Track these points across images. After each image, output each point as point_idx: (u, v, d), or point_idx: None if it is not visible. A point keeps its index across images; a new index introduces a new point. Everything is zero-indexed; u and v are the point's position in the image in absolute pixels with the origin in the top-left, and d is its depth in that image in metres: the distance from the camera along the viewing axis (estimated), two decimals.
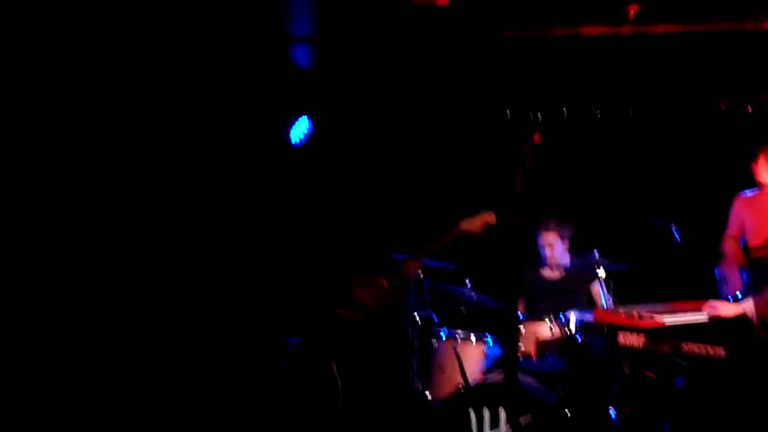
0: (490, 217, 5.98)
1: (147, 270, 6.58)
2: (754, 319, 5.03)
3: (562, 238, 6.65)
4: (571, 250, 6.70)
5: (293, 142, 7.14)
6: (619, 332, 4.78)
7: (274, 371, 6.64)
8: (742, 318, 5.12)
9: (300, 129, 7.15)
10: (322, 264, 6.46)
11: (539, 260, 6.75)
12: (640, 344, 4.68)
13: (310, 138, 7.17)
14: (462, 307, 6.39)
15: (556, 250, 6.63)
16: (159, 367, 6.54)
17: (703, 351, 4.43)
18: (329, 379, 6.17)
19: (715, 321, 5.11)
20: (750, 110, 6.96)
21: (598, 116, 7.08)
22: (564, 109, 7.12)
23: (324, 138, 7.31)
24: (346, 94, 7.18)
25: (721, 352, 4.37)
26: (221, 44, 6.19)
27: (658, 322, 4.90)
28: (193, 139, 6.58)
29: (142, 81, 6.29)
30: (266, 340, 6.81)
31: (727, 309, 5.11)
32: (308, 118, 7.18)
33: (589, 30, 5.41)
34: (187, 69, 6.27)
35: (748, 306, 5.10)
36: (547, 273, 6.75)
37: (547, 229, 6.64)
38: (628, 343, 4.73)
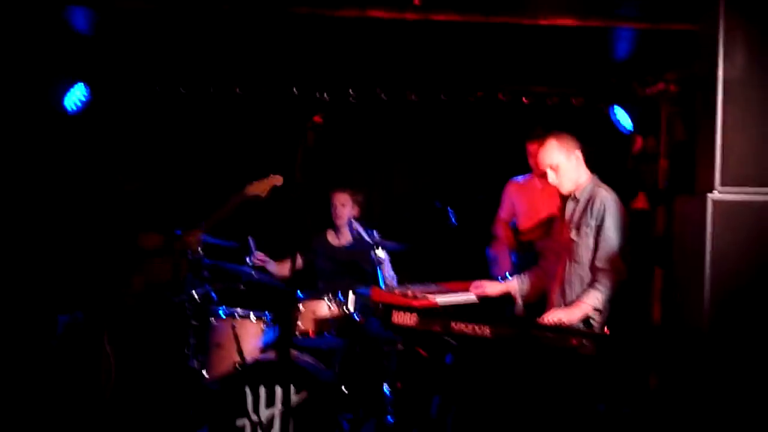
0: (275, 180, 5.96)
1: None
2: (517, 297, 5.32)
3: (354, 202, 6.73)
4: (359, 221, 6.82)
5: (68, 109, 6.81)
6: (394, 311, 4.86)
7: (42, 350, 6.34)
8: (507, 297, 5.42)
9: (76, 96, 6.82)
10: (97, 237, 6.23)
11: (326, 224, 6.81)
12: (413, 323, 4.78)
13: (88, 106, 6.88)
14: (241, 285, 6.30)
15: (346, 210, 6.71)
16: None
17: (471, 329, 4.59)
18: (101, 357, 5.97)
19: (484, 300, 5.39)
20: (526, 101, 7.32)
21: (383, 99, 7.23)
22: (350, 90, 7.23)
23: (104, 107, 7.04)
24: (130, 62, 6.90)
25: (486, 330, 4.54)
26: None
27: (431, 302, 5.05)
28: None
29: None
30: (35, 317, 6.49)
31: (492, 288, 5.39)
32: (85, 85, 6.88)
33: (376, 13, 5.45)
34: None
35: (511, 285, 5.39)
36: (333, 239, 6.82)
37: (342, 190, 6.72)
38: (401, 321, 4.82)
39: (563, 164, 5.09)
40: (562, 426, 4.56)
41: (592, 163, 5.25)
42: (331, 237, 6.88)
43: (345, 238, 6.81)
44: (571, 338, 4.34)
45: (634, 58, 6.68)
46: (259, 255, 6.61)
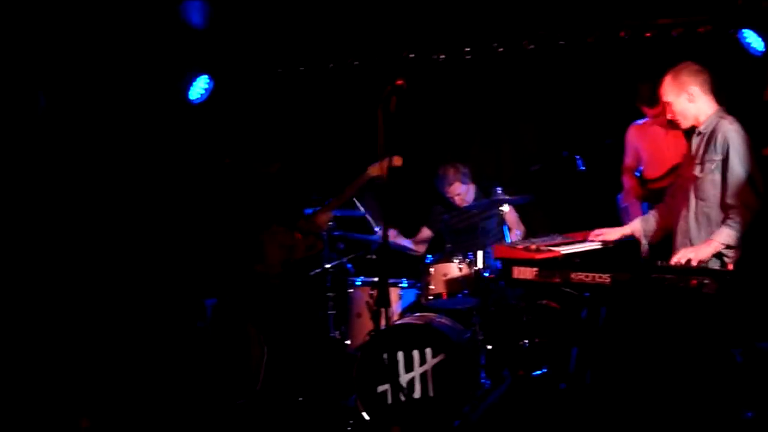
0: (396, 160, 6.00)
1: (53, 237, 6.49)
2: (641, 238, 5.14)
3: (464, 183, 6.69)
4: (476, 184, 6.78)
5: (192, 99, 7.10)
6: (514, 266, 4.82)
7: (192, 333, 6.66)
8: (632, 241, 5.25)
9: (199, 86, 7.11)
10: (235, 222, 6.47)
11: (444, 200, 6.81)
12: (533, 276, 4.73)
13: (210, 95, 7.15)
14: (372, 255, 6.41)
15: (465, 196, 6.69)
16: (76, 331, 6.50)
17: (590, 279, 4.49)
18: (249, 340, 6.22)
19: (615, 248, 5.25)
20: (648, 35, 7.01)
21: (499, 51, 7.10)
22: (465, 47, 7.15)
23: (222, 95, 7.28)
24: (237, 50, 7.11)
25: (606, 278, 4.44)
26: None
27: (554, 253, 4.96)
28: (86, 100, 6.45)
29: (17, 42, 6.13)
30: (184, 301, 6.82)
31: (612, 233, 5.21)
32: (208, 76, 7.15)
33: None
34: (71, 27, 6.13)
35: (635, 226, 5.21)
36: (459, 193, 6.79)
37: (449, 183, 6.69)
38: (521, 276, 4.77)
39: (674, 102, 4.90)
40: (694, 371, 4.41)
41: (720, 94, 5.00)
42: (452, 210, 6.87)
43: (466, 200, 6.77)
44: (691, 278, 4.18)
45: None
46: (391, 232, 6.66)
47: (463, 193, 6.68)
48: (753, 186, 4.65)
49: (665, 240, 5.08)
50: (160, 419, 5.98)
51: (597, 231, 5.22)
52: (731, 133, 4.72)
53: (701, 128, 4.89)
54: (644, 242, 5.14)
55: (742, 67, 6.68)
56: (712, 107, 4.91)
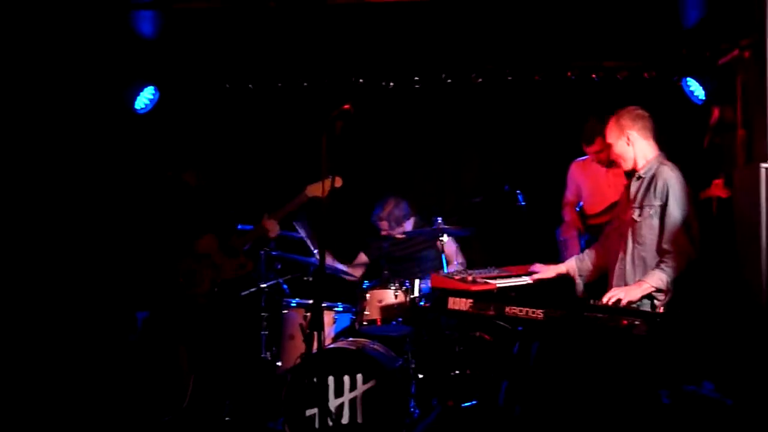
0: (336, 181, 5.98)
1: None
2: (576, 277, 5.20)
3: (392, 226, 6.70)
4: (415, 214, 6.79)
5: (138, 109, 7.03)
6: (450, 297, 4.83)
7: (122, 346, 6.56)
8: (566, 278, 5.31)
9: (145, 97, 7.04)
10: (166, 236, 6.39)
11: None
12: (468, 307, 4.74)
13: (156, 106, 7.08)
14: (309, 277, 6.36)
15: (396, 230, 6.69)
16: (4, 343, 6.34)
17: (524, 313, 4.53)
18: (178, 356, 6.15)
19: (552, 282, 5.29)
20: (595, 77, 7.13)
21: (448, 82, 7.16)
22: (415, 77, 7.19)
23: (168, 106, 7.22)
24: (186, 63, 7.06)
25: (539, 314, 4.47)
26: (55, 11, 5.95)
27: (490, 286, 4.99)
28: (27, 104, 6.33)
29: None
30: (114, 314, 6.70)
31: (548, 271, 5.27)
32: (154, 87, 7.09)
33: None
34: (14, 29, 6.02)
35: (570, 265, 5.27)
36: (383, 230, 6.77)
37: (380, 219, 6.70)
38: (456, 306, 4.79)
39: (615, 144, 5.00)
40: (621, 410, 4.44)
41: (661, 139, 5.09)
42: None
43: (405, 229, 6.77)
44: (622, 318, 4.22)
45: (706, 25, 6.41)
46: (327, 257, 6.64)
47: (390, 231, 6.69)
48: (689, 233, 4.73)
49: (600, 279, 5.14)
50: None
51: (534, 267, 5.28)
52: (672, 180, 4.79)
53: (641, 172, 4.96)
54: (579, 281, 5.21)
55: (684, 114, 6.86)
56: (652, 152, 4.99)
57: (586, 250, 5.37)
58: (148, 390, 6.27)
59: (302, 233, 6.31)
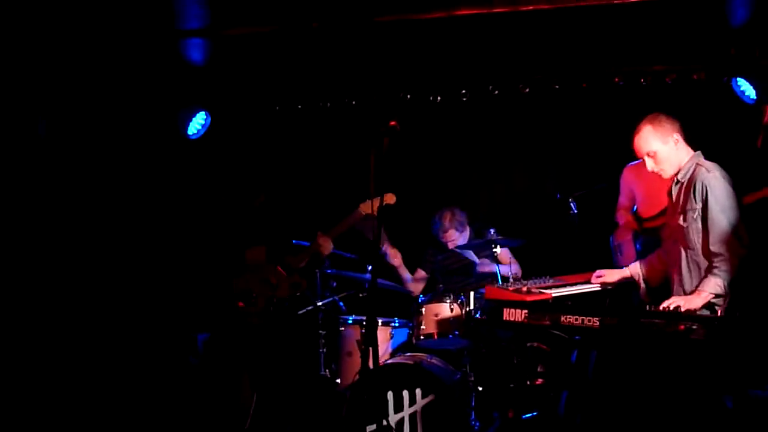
0: (388, 198, 6.03)
1: (41, 268, 6.50)
2: (641, 281, 5.14)
3: (459, 231, 6.70)
4: (471, 226, 6.80)
5: (190, 134, 7.16)
6: (504, 308, 4.83)
7: (184, 367, 6.66)
8: (631, 283, 5.25)
9: (197, 122, 7.18)
10: (223, 256, 6.49)
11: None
12: (523, 318, 4.73)
13: (208, 131, 7.22)
14: (363, 293, 6.40)
15: (458, 241, 6.70)
16: (68, 364, 6.48)
17: (580, 322, 4.50)
18: (240, 378, 6.22)
19: (609, 291, 5.25)
20: (643, 82, 7.09)
21: (495, 94, 7.18)
22: (462, 90, 7.23)
23: (220, 130, 7.34)
24: (235, 87, 7.19)
25: (595, 322, 4.44)
26: (109, 38, 6.11)
27: (545, 295, 4.97)
28: (83, 132, 6.50)
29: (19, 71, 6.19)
30: (174, 335, 6.82)
31: (612, 275, 5.22)
32: (206, 112, 7.23)
33: (464, 11, 5.44)
34: (73, 62, 6.18)
35: (633, 269, 5.20)
36: (452, 239, 6.77)
37: (445, 230, 6.69)
38: (511, 318, 4.78)
39: (661, 150, 4.90)
40: (684, 417, 4.39)
41: (697, 141, 5.02)
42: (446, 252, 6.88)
43: (459, 242, 6.78)
44: (680, 324, 4.18)
45: (754, 24, 6.34)
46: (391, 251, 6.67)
47: (457, 239, 6.69)
48: (736, 234, 4.63)
49: (664, 285, 5.07)
50: None
51: (597, 272, 5.23)
52: (710, 180, 4.70)
53: (679, 176, 4.89)
54: (643, 285, 5.14)
55: (736, 114, 6.77)
56: (688, 154, 4.92)
57: (650, 255, 5.30)
58: (211, 412, 6.35)
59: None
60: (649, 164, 4.98)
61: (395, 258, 6.69)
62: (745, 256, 4.61)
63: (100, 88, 6.53)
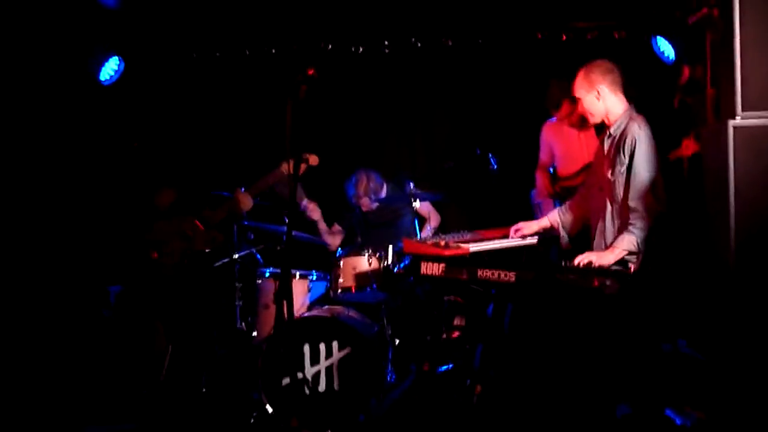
0: (312, 160, 5.95)
1: None
2: (560, 230, 5.17)
3: (372, 198, 6.66)
4: (388, 180, 6.77)
5: (103, 80, 6.94)
6: (422, 262, 4.81)
7: (96, 320, 6.52)
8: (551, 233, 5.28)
9: (110, 68, 6.95)
10: (136, 207, 6.34)
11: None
12: (440, 272, 4.73)
13: (121, 77, 7.00)
14: (281, 246, 6.33)
15: (372, 207, 6.67)
16: None
17: (496, 276, 4.51)
18: (154, 330, 6.11)
19: (523, 248, 5.27)
20: (565, 38, 7.11)
21: (418, 46, 7.13)
22: (385, 41, 7.15)
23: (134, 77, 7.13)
24: (151, 33, 6.97)
25: (512, 276, 4.46)
26: None
27: (462, 250, 4.96)
28: None
29: None
30: (88, 287, 6.66)
31: (531, 227, 5.24)
32: (119, 58, 7.00)
33: None
34: None
35: (552, 218, 5.22)
36: (365, 206, 6.76)
37: (359, 196, 6.66)
38: (429, 271, 4.77)
39: (583, 98, 4.92)
40: (596, 370, 4.46)
41: (630, 93, 5.04)
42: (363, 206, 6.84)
43: (376, 204, 6.75)
44: (593, 279, 4.22)
45: None
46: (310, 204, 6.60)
47: (370, 205, 6.66)
48: (654, 191, 4.67)
49: (584, 233, 5.11)
50: (64, 407, 5.83)
51: (516, 225, 5.22)
52: (639, 135, 4.71)
53: (611, 129, 4.90)
54: (563, 234, 5.16)
55: (654, 73, 6.85)
56: (621, 106, 4.91)
57: (567, 203, 5.30)
58: (124, 364, 6.24)
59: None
60: (579, 107, 5.03)
61: (314, 212, 6.63)
62: (660, 214, 4.66)
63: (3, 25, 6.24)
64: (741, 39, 3.96)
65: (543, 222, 5.26)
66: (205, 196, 6.27)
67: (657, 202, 4.66)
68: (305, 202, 6.51)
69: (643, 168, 4.68)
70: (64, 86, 6.76)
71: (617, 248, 4.63)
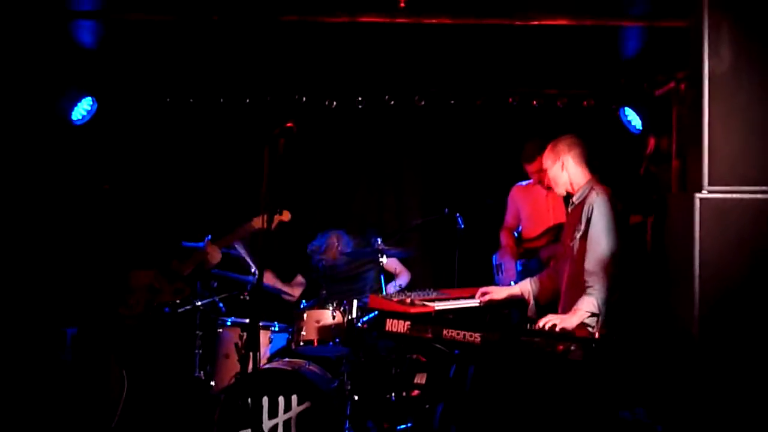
0: (283, 216, 5.95)
1: None
2: (530, 299, 5.19)
3: (340, 253, 6.71)
4: (354, 235, 6.79)
5: (75, 119, 6.90)
6: (387, 318, 4.81)
7: (53, 362, 6.39)
8: (518, 300, 5.29)
9: (83, 108, 6.92)
10: (103, 253, 6.28)
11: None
12: (405, 330, 4.72)
13: (94, 118, 6.96)
14: (245, 295, 6.29)
15: (339, 257, 6.70)
16: None
17: (461, 336, 4.51)
18: (109, 374, 6.01)
19: (492, 306, 5.28)
20: (535, 104, 7.23)
21: (391, 104, 7.20)
22: (359, 97, 7.21)
23: (107, 118, 7.10)
24: (131, 74, 6.97)
25: (477, 337, 4.47)
26: None
27: (428, 308, 4.97)
28: None
29: None
30: (44, 330, 6.53)
31: (500, 292, 5.25)
32: (92, 98, 6.97)
33: (367, 18, 5.43)
34: None
35: (523, 286, 5.25)
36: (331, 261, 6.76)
37: (328, 251, 6.67)
38: (394, 329, 4.76)
39: (549, 169, 5.05)
40: None
41: (595, 165, 5.14)
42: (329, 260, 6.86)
43: (342, 258, 6.78)
44: (558, 344, 4.24)
45: (644, 57, 6.56)
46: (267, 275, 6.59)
47: (333, 250, 6.70)
48: (613, 256, 4.70)
49: (554, 302, 5.14)
50: None
51: (483, 289, 5.23)
52: (598, 202, 4.79)
53: (574, 198, 5.01)
54: (532, 302, 5.19)
55: (622, 142, 6.98)
56: (584, 177, 5.02)
57: (540, 273, 5.35)
58: (77, 409, 6.11)
59: (241, 251, 6.24)
60: (545, 178, 5.14)
61: (276, 282, 6.65)
62: (618, 276, 4.71)
63: None
64: (710, 113, 4.04)
65: (513, 290, 5.28)
66: (175, 247, 6.22)
67: (614, 266, 4.71)
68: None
69: (600, 233, 4.73)
70: (34, 124, 6.71)
71: (579, 310, 4.66)
